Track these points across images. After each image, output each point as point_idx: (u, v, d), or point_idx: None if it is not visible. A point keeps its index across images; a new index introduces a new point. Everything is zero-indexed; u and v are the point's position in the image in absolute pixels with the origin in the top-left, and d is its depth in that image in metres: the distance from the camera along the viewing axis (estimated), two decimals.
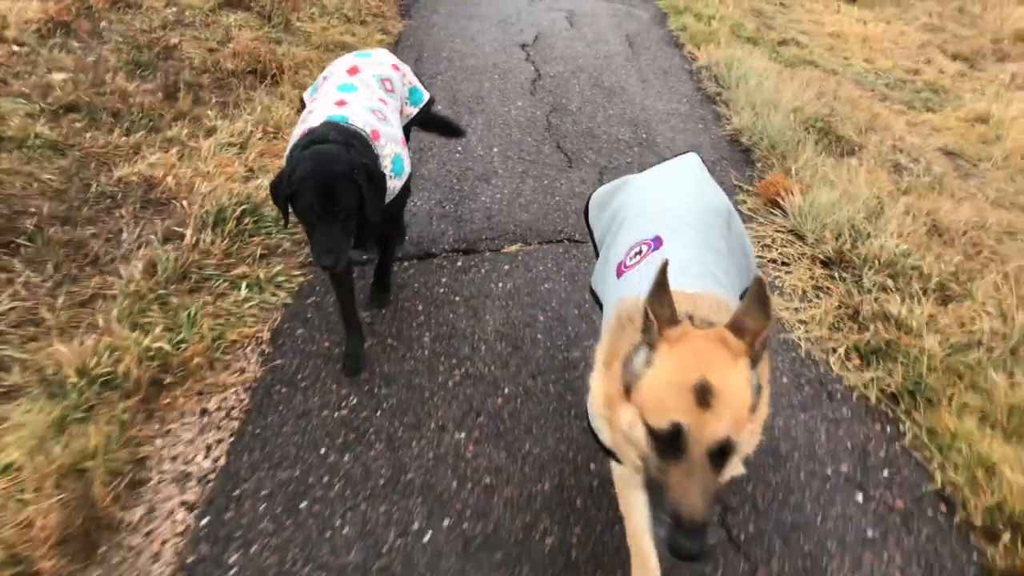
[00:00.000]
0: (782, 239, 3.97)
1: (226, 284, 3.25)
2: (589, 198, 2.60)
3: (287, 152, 2.63)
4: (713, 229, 2.11)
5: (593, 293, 2.37)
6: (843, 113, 5.52)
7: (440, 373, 2.89)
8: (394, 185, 2.77)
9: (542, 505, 2.38)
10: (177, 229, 3.48)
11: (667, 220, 2.08)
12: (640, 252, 2.00)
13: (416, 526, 2.29)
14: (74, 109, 4.25)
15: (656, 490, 1.42)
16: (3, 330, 2.78)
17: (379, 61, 3.13)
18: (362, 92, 2.90)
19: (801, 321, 3.37)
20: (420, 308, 3.24)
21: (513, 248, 3.68)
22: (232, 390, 2.77)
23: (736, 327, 1.46)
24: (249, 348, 2.98)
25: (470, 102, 5.27)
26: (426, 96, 3.30)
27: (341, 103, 2.77)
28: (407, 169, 2.90)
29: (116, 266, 3.22)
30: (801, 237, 3.98)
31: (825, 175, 4.43)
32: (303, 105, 3.04)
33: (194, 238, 3.39)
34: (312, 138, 2.53)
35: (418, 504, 2.36)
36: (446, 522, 2.31)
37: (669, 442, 1.38)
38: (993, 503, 2.50)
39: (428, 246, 3.65)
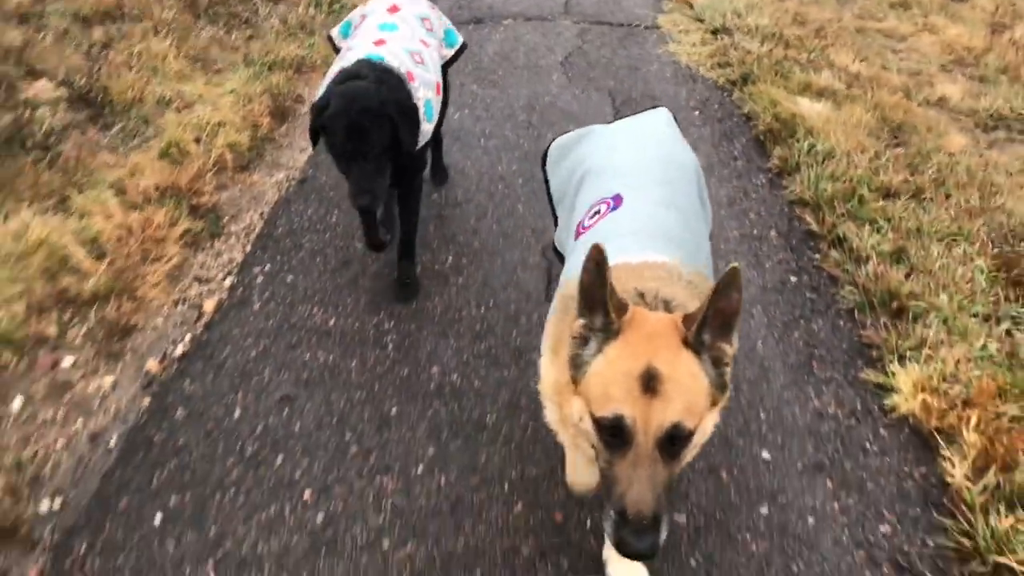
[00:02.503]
0: (687, 22, 5.93)
1: None
2: (548, 146, 2.44)
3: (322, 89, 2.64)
4: (678, 185, 2.03)
5: (557, 252, 2.30)
6: None
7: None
8: (424, 129, 2.73)
9: (510, 182, 4.32)
10: (292, 5, 5.51)
11: (631, 177, 2.00)
12: (599, 212, 1.90)
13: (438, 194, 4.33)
14: None
15: (607, 484, 1.36)
16: (206, 45, 4.83)
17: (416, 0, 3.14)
18: (403, 31, 2.86)
19: (688, 54, 5.35)
20: None
21: (506, 21, 5.69)
22: None
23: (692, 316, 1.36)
24: None
25: None
26: (460, 39, 3.33)
27: (379, 42, 2.74)
28: (436, 117, 2.88)
29: (259, 23, 5.25)
30: (701, 21, 5.94)
31: None
32: (332, 44, 3.13)
33: (306, 7, 5.43)
34: (346, 75, 2.54)
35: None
36: (459, 194, 4.31)
37: (614, 433, 1.32)
38: (773, 114, 4.49)
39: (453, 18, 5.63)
